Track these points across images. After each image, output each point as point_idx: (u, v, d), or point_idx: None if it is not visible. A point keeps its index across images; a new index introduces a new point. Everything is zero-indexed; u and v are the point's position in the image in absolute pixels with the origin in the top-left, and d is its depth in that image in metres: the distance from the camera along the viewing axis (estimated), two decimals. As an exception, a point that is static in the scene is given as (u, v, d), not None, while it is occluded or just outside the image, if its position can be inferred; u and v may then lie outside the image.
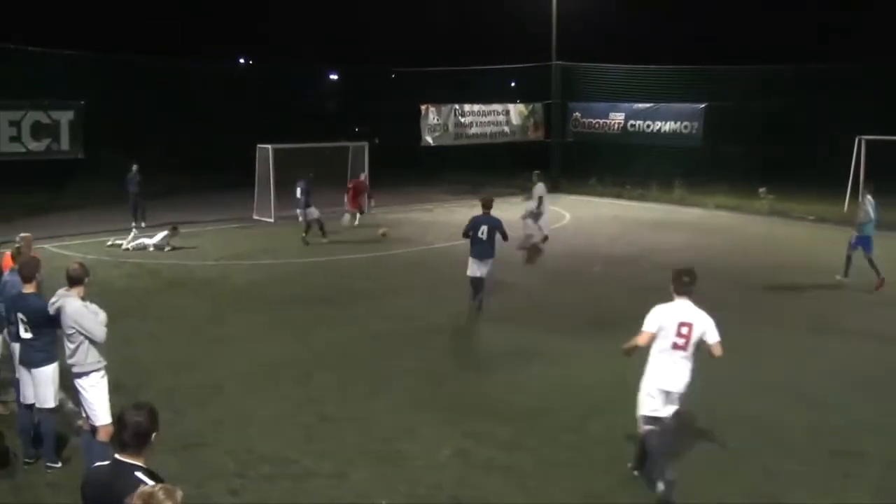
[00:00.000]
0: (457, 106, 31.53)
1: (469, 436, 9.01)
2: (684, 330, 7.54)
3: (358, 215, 24.35)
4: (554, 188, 33.11)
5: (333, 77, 48.84)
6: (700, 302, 7.69)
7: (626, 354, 7.81)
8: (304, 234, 21.21)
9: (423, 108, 30.61)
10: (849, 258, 16.61)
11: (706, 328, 7.57)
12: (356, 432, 9.13)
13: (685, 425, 9.30)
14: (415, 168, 32.30)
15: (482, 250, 13.77)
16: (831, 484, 8.06)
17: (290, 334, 13.04)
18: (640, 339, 7.66)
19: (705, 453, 8.71)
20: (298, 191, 21.19)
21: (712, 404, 10.06)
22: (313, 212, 21.33)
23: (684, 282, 7.69)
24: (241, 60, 46.80)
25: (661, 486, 7.50)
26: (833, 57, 28.55)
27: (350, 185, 24.97)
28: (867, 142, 25.93)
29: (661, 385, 7.66)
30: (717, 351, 7.60)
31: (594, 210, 28.26)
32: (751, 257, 19.66)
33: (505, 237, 14.03)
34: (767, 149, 29.75)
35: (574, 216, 26.64)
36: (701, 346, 7.60)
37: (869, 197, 16.50)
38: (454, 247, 20.84)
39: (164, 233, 20.30)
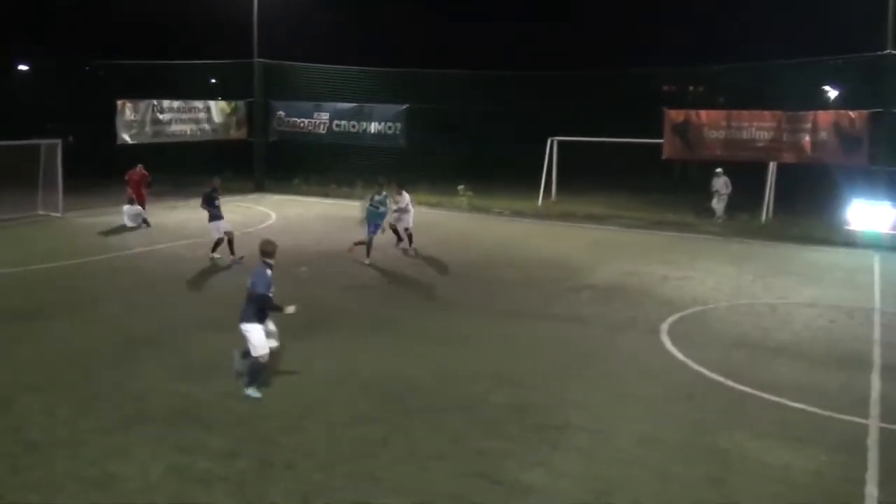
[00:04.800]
0: (155, 102, 30.00)
1: (183, 449, 8.72)
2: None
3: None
4: (258, 188, 32.88)
5: (23, 68, 44.87)
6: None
7: None
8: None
9: (119, 103, 28.84)
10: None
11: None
12: (65, 458, 8.49)
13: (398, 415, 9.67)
14: (112, 168, 30.41)
15: None
16: (540, 455, 8.80)
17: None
18: None
19: (418, 440, 9.07)
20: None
21: (421, 390, 10.54)
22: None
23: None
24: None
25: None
26: (525, 63, 30.78)
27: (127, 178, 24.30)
28: (559, 142, 28.73)
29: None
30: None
31: (300, 209, 28.32)
32: (454, 251, 20.57)
33: None
34: (466, 149, 31.39)
35: (280, 216, 26.53)
36: None
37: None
38: (155, 251, 20.08)
39: None
